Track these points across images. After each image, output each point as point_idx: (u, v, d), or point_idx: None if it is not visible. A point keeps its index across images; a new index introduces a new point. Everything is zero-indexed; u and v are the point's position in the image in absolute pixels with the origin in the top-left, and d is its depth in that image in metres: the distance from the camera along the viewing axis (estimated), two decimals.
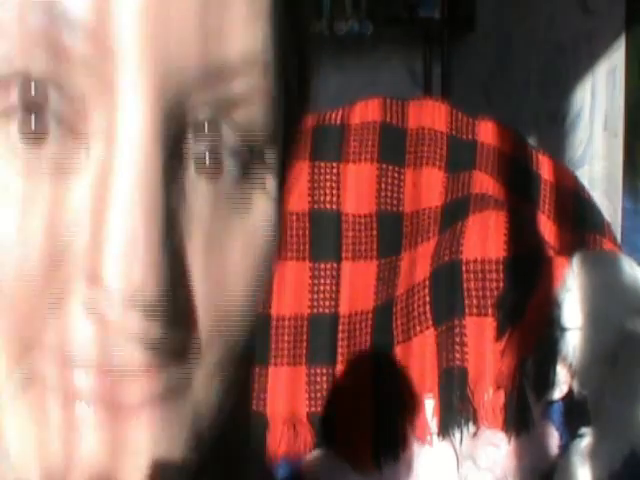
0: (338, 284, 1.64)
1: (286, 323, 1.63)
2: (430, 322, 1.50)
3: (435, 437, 1.46)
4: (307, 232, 1.67)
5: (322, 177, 1.68)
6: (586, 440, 1.40)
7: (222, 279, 0.35)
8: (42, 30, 0.31)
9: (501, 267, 1.47)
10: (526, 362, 1.43)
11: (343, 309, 1.63)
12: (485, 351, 1.44)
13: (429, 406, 1.47)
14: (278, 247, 0.40)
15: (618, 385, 1.41)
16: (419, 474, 1.46)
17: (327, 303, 1.64)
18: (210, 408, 0.36)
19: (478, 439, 1.44)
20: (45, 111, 0.32)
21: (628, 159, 2.05)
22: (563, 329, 1.43)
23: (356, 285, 1.64)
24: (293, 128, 0.41)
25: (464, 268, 1.48)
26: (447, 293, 1.50)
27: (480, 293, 1.47)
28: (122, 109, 0.32)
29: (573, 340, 1.43)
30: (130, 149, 0.32)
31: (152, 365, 0.33)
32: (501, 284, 1.46)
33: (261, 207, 0.37)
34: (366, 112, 1.73)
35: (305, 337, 1.62)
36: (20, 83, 0.32)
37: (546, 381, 1.44)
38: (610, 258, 1.56)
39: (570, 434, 1.45)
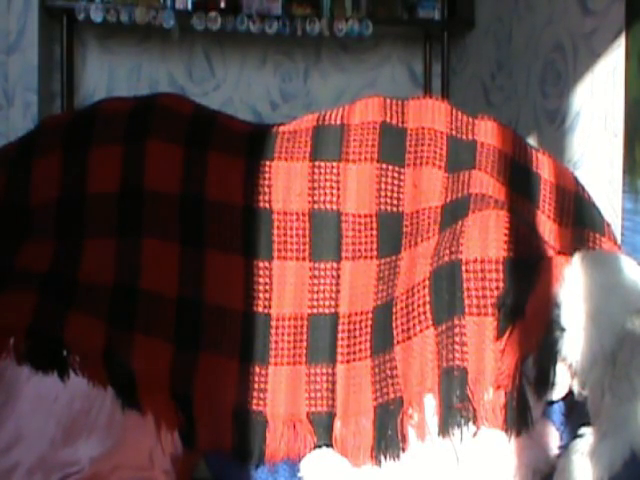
0: (338, 284, 1.64)
1: (286, 323, 1.63)
2: (430, 322, 1.50)
3: (435, 436, 1.46)
4: (307, 232, 1.67)
5: (322, 177, 1.68)
6: (586, 440, 1.40)
7: None
8: None
9: (501, 267, 1.47)
10: (526, 362, 1.43)
11: (343, 309, 1.63)
12: (485, 351, 1.44)
13: (429, 405, 1.47)
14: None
15: (618, 385, 1.40)
16: (419, 473, 1.46)
17: (327, 303, 1.64)
18: None
19: (478, 439, 1.44)
20: None
21: (628, 159, 2.05)
22: (563, 329, 1.43)
23: (356, 285, 1.63)
24: None
25: (464, 268, 1.48)
26: (447, 293, 1.50)
27: (480, 293, 1.46)
28: None
29: (573, 340, 1.43)
30: None
31: None
32: (501, 284, 1.46)
33: None
34: (366, 112, 1.73)
35: (305, 337, 1.62)
36: None
37: (546, 381, 1.44)
38: (610, 258, 1.56)
39: (570, 434, 1.45)
